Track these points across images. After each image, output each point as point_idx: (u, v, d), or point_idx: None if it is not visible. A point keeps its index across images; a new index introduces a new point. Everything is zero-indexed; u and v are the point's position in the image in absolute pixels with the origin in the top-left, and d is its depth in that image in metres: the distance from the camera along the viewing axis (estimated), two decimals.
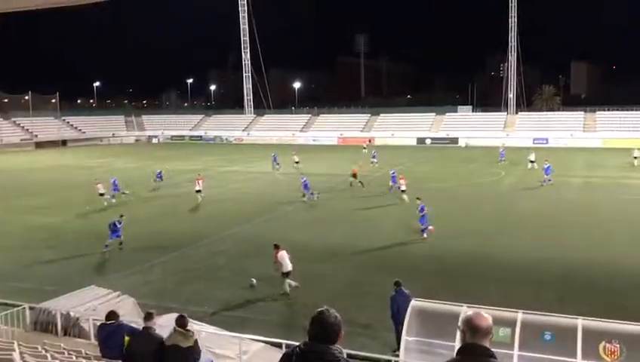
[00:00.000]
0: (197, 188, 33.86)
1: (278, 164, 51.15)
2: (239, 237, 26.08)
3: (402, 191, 33.83)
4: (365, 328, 15.08)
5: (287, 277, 18.22)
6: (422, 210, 25.48)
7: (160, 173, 41.84)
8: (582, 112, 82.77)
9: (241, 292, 18.55)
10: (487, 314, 3.97)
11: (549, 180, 39.36)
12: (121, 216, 24.79)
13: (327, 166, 53.63)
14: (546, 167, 40.33)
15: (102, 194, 34.69)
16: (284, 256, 18.33)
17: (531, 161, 48.44)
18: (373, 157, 55.69)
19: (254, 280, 18.99)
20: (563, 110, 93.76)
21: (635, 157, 50.00)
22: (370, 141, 75.84)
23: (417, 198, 26.53)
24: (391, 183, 37.68)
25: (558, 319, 11.24)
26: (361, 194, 37.45)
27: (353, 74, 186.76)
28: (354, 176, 40.10)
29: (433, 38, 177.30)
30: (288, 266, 18.19)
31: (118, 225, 24.01)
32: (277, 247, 18.79)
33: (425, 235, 24.94)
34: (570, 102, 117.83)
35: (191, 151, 74.44)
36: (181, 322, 9.01)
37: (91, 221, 30.19)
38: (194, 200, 34.49)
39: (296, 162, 50.58)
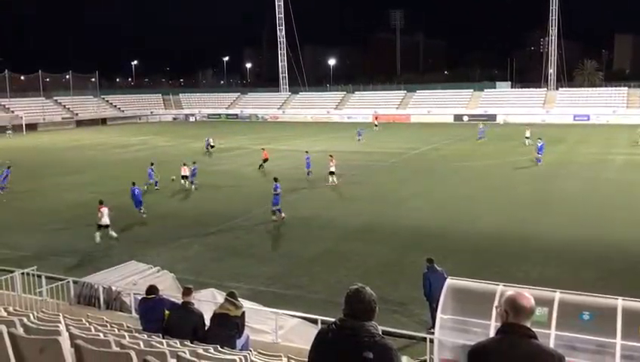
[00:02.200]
0: (183, 173, 33.40)
1: (211, 146, 49.30)
2: None
3: (331, 172, 32.72)
4: (400, 305, 15.11)
5: (99, 229, 21.91)
6: (276, 188, 24.82)
7: (151, 170, 33.27)
8: (625, 88, 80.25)
9: (277, 269, 18.78)
10: (529, 295, 3.95)
11: (538, 160, 38.44)
12: (133, 183, 26.79)
13: (360, 144, 53.41)
14: (539, 145, 39.27)
15: None
16: (103, 212, 22.00)
17: (527, 138, 49.01)
18: (359, 135, 54.79)
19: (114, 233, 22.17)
20: (605, 86, 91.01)
21: None
22: (377, 118, 74.66)
23: (274, 179, 25.70)
24: (306, 168, 35.55)
25: (596, 299, 11.04)
26: (392, 173, 37.28)
27: (389, 50, 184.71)
28: (265, 160, 38.78)
29: (471, 12, 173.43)
30: (105, 221, 21.98)
31: (137, 192, 26.17)
32: (101, 203, 22.48)
33: (274, 217, 24.62)
34: (613, 77, 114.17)
35: (227, 129, 75.05)
36: (232, 294, 9.76)
37: (129, 198, 30.80)
38: (229, 178, 34.91)
39: (212, 146, 48.74)
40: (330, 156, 33.87)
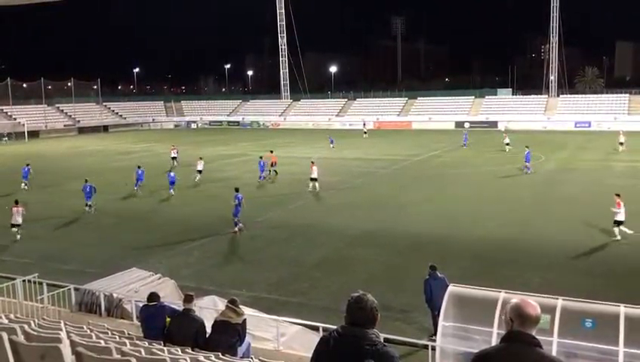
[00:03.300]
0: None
1: (175, 158, 46.72)
2: (276, 221, 26.28)
3: (313, 179, 32.61)
4: (402, 312, 15.07)
5: (13, 227, 23.36)
6: (237, 199, 24.09)
7: (140, 172, 34.11)
8: (627, 95, 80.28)
9: (279, 276, 18.74)
10: (535, 303, 3.92)
11: (528, 168, 38.00)
12: (86, 180, 28.82)
13: (361, 151, 53.47)
14: (525, 153, 38.72)
15: None
16: (17, 211, 23.37)
17: (506, 144, 49.09)
18: (331, 142, 54.52)
19: None
20: (607, 92, 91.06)
21: (621, 143, 48.88)
22: (364, 125, 74.61)
23: (236, 189, 24.90)
24: (260, 173, 36.09)
25: (599, 306, 11.02)
26: (393, 179, 37.28)
27: (390, 57, 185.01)
28: (272, 164, 38.21)
29: (472, 19, 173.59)
30: (18, 220, 23.35)
31: (89, 189, 28.07)
32: (16, 203, 23.80)
33: (236, 229, 23.98)
34: (615, 84, 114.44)
35: (229, 136, 75.14)
36: (233, 301, 9.81)
37: (131, 204, 30.84)
38: (231, 185, 34.70)
39: (173, 157, 46.24)
40: (312, 163, 33.77)
